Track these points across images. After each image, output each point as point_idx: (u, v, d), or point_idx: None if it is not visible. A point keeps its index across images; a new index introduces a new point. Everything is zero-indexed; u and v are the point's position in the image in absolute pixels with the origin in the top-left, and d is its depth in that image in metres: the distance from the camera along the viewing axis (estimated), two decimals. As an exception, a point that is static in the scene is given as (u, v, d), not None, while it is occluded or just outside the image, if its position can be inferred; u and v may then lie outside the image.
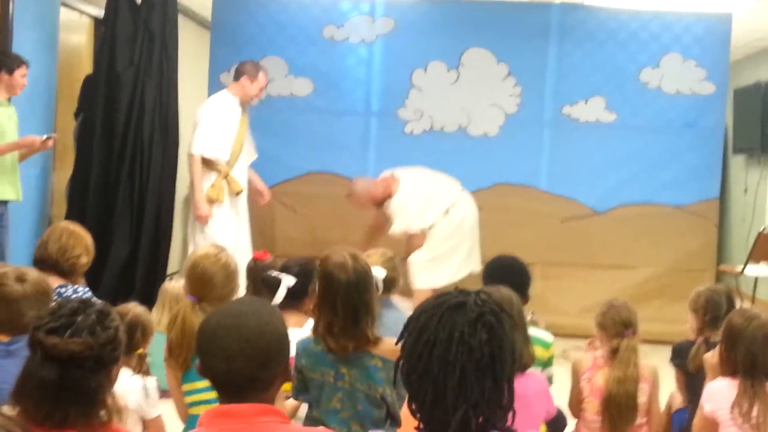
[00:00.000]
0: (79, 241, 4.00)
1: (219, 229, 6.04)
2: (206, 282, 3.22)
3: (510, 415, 1.89)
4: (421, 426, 1.85)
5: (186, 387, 3.15)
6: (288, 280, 3.69)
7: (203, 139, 6.06)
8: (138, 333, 3.45)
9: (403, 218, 6.36)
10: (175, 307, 4.94)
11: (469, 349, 1.81)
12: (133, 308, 3.63)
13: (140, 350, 3.43)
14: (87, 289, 4.07)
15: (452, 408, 1.80)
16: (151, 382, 3.37)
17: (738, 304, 4.19)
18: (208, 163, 6.08)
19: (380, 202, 6.52)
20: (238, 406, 1.97)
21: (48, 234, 4.01)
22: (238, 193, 6.22)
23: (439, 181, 6.57)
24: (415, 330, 1.88)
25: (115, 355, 2.11)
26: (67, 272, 3.90)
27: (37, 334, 2.01)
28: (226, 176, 6.14)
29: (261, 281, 3.85)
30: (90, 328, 2.04)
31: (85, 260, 4.01)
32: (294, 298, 3.71)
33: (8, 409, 1.99)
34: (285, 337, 2.08)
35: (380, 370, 2.92)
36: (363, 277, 2.98)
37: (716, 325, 3.95)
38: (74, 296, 3.93)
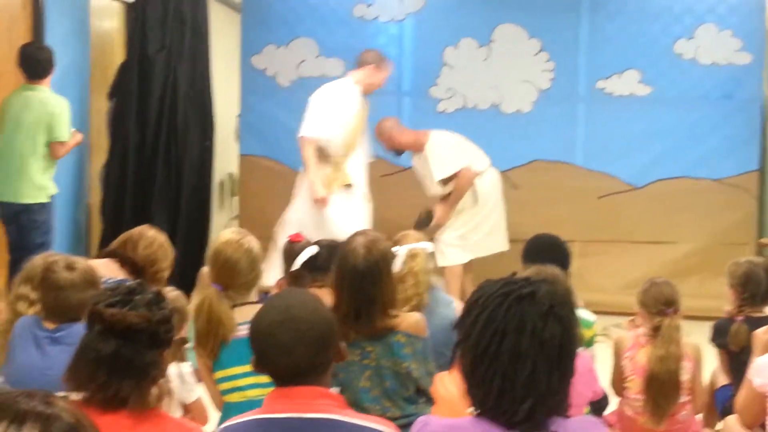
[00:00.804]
0: (167, 254, 3.93)
1: (336, 216, 5.87)
2: (231, 269, 3.19)
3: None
4: (479, 412, 1.83)
5: (219, 374, 3.15)
6: (310, 249, 3.71)
7: (315, 122, 5.91)
8: (174, 319, 3.45)
9: (440, 160, 6.29)
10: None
11: (541, 342, 1.79)
12: (169, 293, 3.64)
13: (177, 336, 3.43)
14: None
15: (520, 400, 1.78)
16: (186, 367, 3.39)
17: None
18: (319, 152, 5.94)
19: (401, 149, 6.54)
20: (297, 388, 2.09)
21: (138, 236, 3.90)
22: (347, 186, 6.03)
23: (472, 146, 6.52)
24: (480, 319, 1.83)
25: (168, 336, 2.17)
26: (150, 281, 3.84)
27: (97, 307, 2.07)
28: (336, 167, 5.98)
29: (290, 255, 3.86)
30: (147, 305, 2.11)
31: (167, 274, 3.99)
32: (317, 271, 3.73)
33: (75, 395, 2.04)
34: (333, 321, 2.22)
35: (404, 346, 2.98)
36: (374, 265, 3.03)
37: (756, 302, 3.91)
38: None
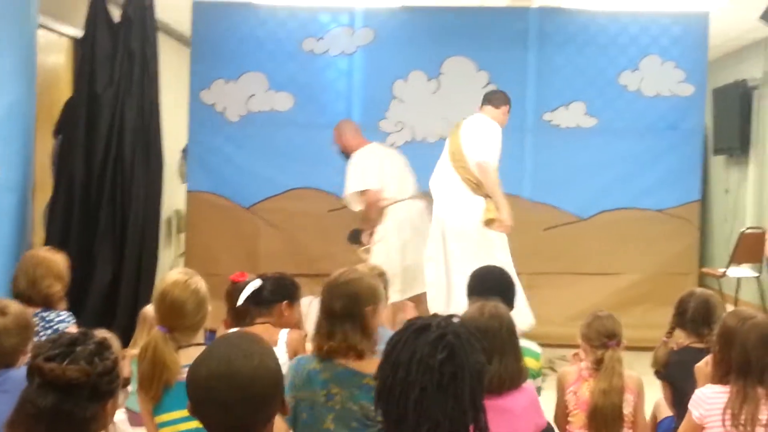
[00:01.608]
0: (49, 269, 3.95)
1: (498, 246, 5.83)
2: (177, 311, 3.12)
3: None
4: None
5: (160, 419, 3.06)
6: (254, 283, 3.72)
7: (492, 149, 5.91)
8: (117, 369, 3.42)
9: (353, 174, 6.28)
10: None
11: (428, 368, 1.88)
12: (99, 335, 3.62)
13: None
14: (69, 313, 4.06)
15: (414, 427, 1.87)
16: (119, 414, 3.37)
17: (725, 306, 4.20)
18: (477, 181, 5.90)
19: (344, 151, 6.53)
20: None
21: (18, 267, 3.98)
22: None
23: (400, 172, 6.45)
24: (385, 353, 1.98)
25: (111, 387, 2.13)
26: (42, 303, 3.86)
27: (36, 361, 2.04)
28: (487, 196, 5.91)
29: (234, 294, 3.87)
30: (88, 357, 2.08)
31: (58, 287, 3.97)
32: (264, 304, 3.79)
33: None
34: (279, 373, 2.04)
35: (373, 389, 2.91)
36: (348, 287, 3.03)
37: (696, 331, 4.00)
38: (57, 320, 3.93)
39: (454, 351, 1.90)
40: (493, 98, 6.19)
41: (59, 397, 2.01)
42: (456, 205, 5.94)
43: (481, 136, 5.97)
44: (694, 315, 3.99)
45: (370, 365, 2.93)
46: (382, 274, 4.03)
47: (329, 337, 2.98)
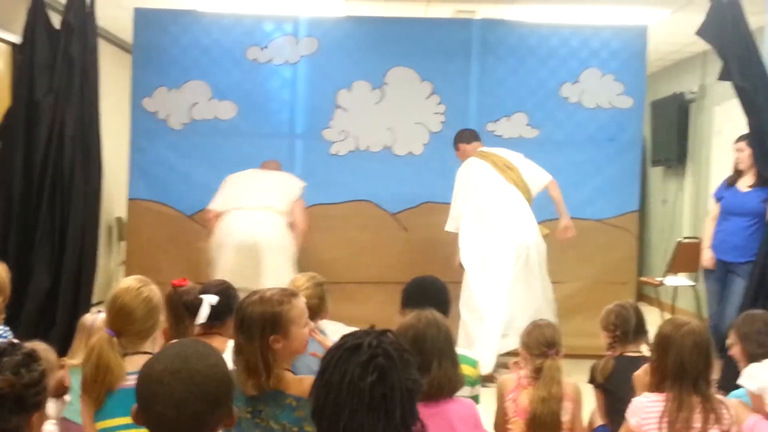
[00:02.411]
0: None
1: None
2: (126, 316, 3.11)
3: None
4: None
5: (101, 425, 3.02)
6: (210, 299, 3.72)
7: None
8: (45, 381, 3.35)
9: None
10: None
11: (359, 390, 1.89)
12: (32, 347, 3.57)
13: None
14: (5, 328, 3.98)
15: None
16: (49, 425, 3.33)
17: (658, 315, 4.29)
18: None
19: None
20: None
21: None
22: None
23: (241, 186, 6.51)
24: (319, 372, 1.98)
25: (37, 399, 2.08)
26: None
27: None
28: None
29: (182, 306, 3.84)
30: (14, 368, 2.03)
31: None
32: (217, 319, 3.77)
33: None
34: (230, 378, 2.04)
35: (295, 409, 2.87)
36: (263, 311, 2.88)
37: (627, 340, 4.08)
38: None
39: (384, 373, 1.91)
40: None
41: None
42: (536, 230, 6.45)
43: (528, 161, 6.64)
44: (637, 327, 4.07)
45: (291, 385, 2.88)
46: (320, 284, 4.02)
47: (246, 364, 2.87)
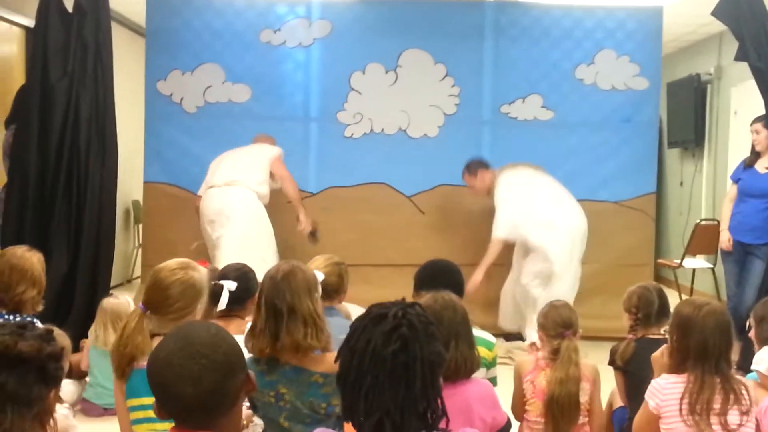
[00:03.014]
0: (23, 274, 3.87)
1: None
2: (158, 292, 3.08)
3: (444, 421, 1.98)
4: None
5: (131, 402, 3.01)
6: (230, 285, 3.72)
7: None
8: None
9: None
10: (115, 323, 4.93)
11: (381, 359, 1.91)
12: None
13: None
14: (34, 319, 3.98)
15: (365, 414, 1.91)
16: (62, 409, 3.34)
17: (677, 297, 4.26)
18: None
19: None
20: None
21: None
22: None
23: (226, 164, 6.54)
24: (345, 339, 2.00)
25: (57, 374, 2.11)
26: (14, 308, 3.78)
27: None
28: None
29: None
30: (38, 338, 2.07)
31: (33, 292, 3.90)
32: (236, 303, 3.78)
33: None
34: (238, 346, 2.04)
35: (322, 386, 2.90)
36: (290, 283, 2.95)
37: (649, 322, 4.03)
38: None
39: (407, 342, 1.92)
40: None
41: (7, 373, 1.99)
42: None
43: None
44: (660, 309, 4.02)
45: (316, 362, 2.92)
46: (338, 264, 4.02)
47: (274, 337, 2.91)
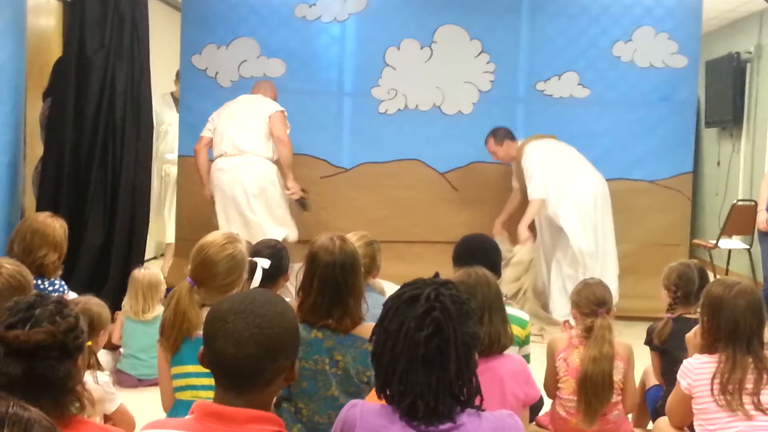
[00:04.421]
0: (44, 239, 3.92)
1: None
2: (207, 268, 3.14)
3: (478, 398, 1.99)
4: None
5: (175, 370, 3.09)
6: (263, 263, 3.75)
7: None
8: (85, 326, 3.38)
9: None
10: (147, 294, 4.97)
11: (414, 342, 1.91)
12: (86, 301, 3.62)
13: (88, 343, 3.39)
14: (61, 282, 4.03)
15: (399, 395, 1.92)
16: (103, 376, 3.37)
17: (711, 277, 4.21)
18: None
19: None
20: (232, 409, 1.89)
21: (15, 232, 3.96)
22: None
23: (230, 127, 6.40)
24: (379, 318, 2.00)
25: (78, 342, 2.10)
26: (36, 272, 3.81)
27: None
28: None
29: None
30: (49, 318, 2.04)
31: (54, 257, 3.94)
32: (268, 280, 3.79)
33: None
34: (296, 332, 2.03)
35: (369, 353, 2.92)
36: (348, 258, 3.02)
37: (689, 301, 3.99)
38: (50, 289, 3.92)
39: (440, 326, 1.91)
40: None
41: (29, 363, 1.97)
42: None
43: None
44: (699, 289, 3.96)
45: (365, 329, 2.97)
46: (371, 243, 4.01)
47: (328, 313, 2.97)
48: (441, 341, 1.91)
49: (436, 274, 2.08)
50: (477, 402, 1.99)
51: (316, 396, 2.96)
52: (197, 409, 1.94)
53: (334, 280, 2.97)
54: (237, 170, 6.20)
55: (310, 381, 2.96)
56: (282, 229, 6.24)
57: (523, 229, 6.43)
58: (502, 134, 6.83)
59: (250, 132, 6.26)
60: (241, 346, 1.89)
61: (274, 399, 2.26)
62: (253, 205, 6.18)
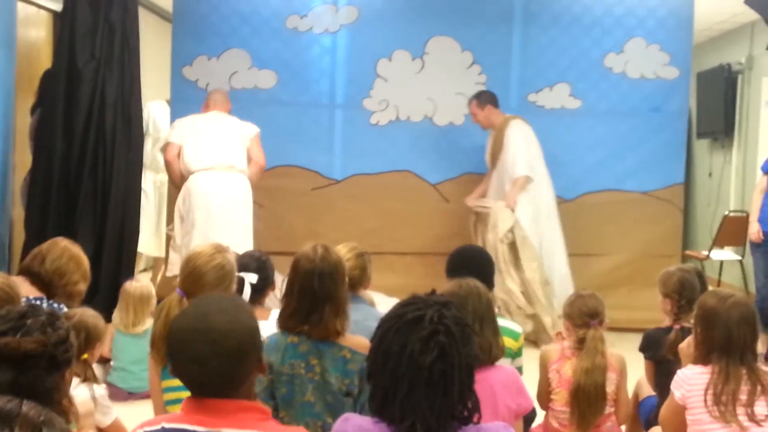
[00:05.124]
0: (79, 266, 3.82)
1: None
2: (196, 279, 3.15)
3: (476, 415, 1.96)
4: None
5: (166, 383, 3.08)
6: (251, 278, 3.73)
7: None
8: (81, 338, 3.34)
9: None
10: (138, 308, 4.93)
11: (418, 366, 1.87)
12: (81, 313, 3.58)
13: (84, 356, 3.36)
14: (61, 306, 3.97)
15: (399, 417, 1.88)
16: (99, 389, 3.34)
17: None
18: None
19: None
20: (219, 401, 1.98)
21: (47, 249, 3.80)
22: None
23: (207, 143, 6.26)
24: (376, 337, 1.95)
25: (68, 356, 2.10)
26: (56, 295, 3.70)
27: None
28: None
29: None
30: (41, 328, 2.04)
31: (83, 287, 3.86)
32: (257, 293, 3.80)
33: None
34: (255, 330, 2.08)
35: (349, 362, 2.93)
36: (328, 267, 3.00)
37: (692, 308, 3.94)
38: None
39: (444, 350, 1.89)
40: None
41: (17, 372, 1.97)
42: None
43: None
44: (701, 293, 3.92)
45: (347, 338, 2.98)
46: (362, 255, 3.98)
47: (305, 320, 2.96)
48: (446, 366, 1.88)
49: (433, 291, 2.06)
50: (475, 419, 1.96)
51: (293, 402, 2.95)
52: (186, 404, 2.02)
53: (311, 289, 2.96)
54: (228, 184, 6.15)
55: (288, 386, 2.96)
56: (249, 238, 6.19)
57: (511, 202, 6.53)
58: (486, 98, 6.87)
59: (238, 151, 6.23)
60: (204, 364, 1.97)
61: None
62: (240, 216, 6.15)
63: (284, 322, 3.00)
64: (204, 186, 6.10)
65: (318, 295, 2.96)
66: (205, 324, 1.99)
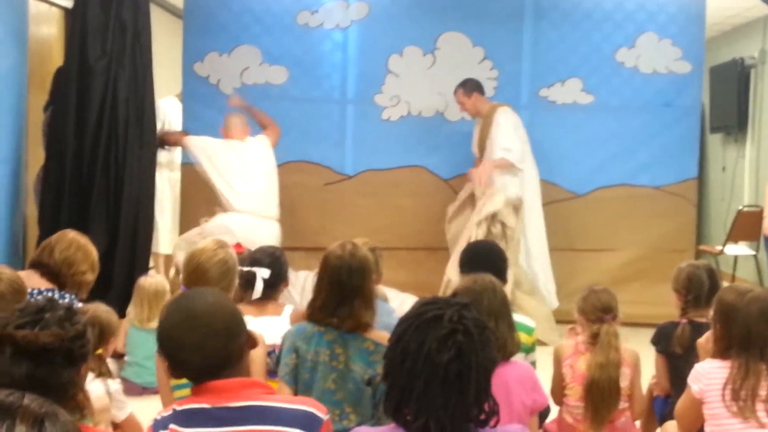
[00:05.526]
0: (87, 256, 3.86)
1: None
2: (200, 276, 3.22)
3: (494, 419, 1.95)
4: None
5: (175, 381, 3.07)
6: (263, 273, 3.73)
7: None
8: (95, 334, 3.35)
9: None
10: (153, 303, 4.95)
11: (434, 365, 1.87)
12: (95, 308, 3.59)
13: (99, 351, 3.37)
14: (74, 298, 3.98)
15: (414, 415, 1.87)
16: (114, 384, 3.34)
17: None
18: None
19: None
20: (223, 381, 2.11)
21: (56, 240, 3.85)
22: None
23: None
24: (395, 335, 1.95)
25: (84, 351, 2.11)
26: (66, 285, 3.74)
27: (6, 330, 1.99)
28: None
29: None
30: (58, 323, 2.05)
31: (91, 278, 3.89)
32: (270, 288, 3.79)
33: None
34: (235, 309, 2.25)
35: (372, 353, 3.03)
36: (357, 263, 3.11)
37: (699, 304, 3.94)
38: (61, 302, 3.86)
39: (462, 350, 1.88)
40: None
41: (34, 365, 1.97)
42: None
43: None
44: (710, 291, 3.91)
45: (369, 332, 3.08)
46: (373, 250, 3.99)
47: (334, 312, 3.06)
48: (462, 366, 1.87)
49: (455, 294, 2.07)
50: (493, 423, 1.95)
51: (314, 388, 3.04)
52: (194, 388, 2.16)
53: (341, 283, 3.07)
54: (265, 233, 6.16)
55: (311, 372, 3.06)
56: None
57: (486, 170, 6.52)
58: (471, 85, 6.84)
59: (275, 197, 6.42)
60: (202, 350, 2.11)
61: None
62: None
63: (314, 314, 3.11)
64: (243, 231, 6.08)
65: (347, 289, 3.07)
66: (190, 315, 2.14)
